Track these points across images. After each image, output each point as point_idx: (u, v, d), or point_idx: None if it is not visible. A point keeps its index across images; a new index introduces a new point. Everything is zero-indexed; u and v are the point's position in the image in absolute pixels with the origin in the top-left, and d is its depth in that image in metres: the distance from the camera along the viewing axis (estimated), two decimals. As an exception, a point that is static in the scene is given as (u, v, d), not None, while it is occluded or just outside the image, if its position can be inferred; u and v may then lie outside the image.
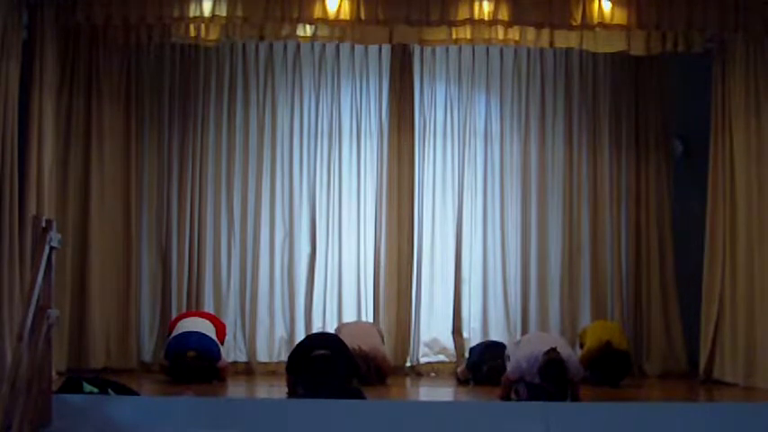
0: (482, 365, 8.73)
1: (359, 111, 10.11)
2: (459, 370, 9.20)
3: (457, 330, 9.85)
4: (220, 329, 9.11)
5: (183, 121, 9.96)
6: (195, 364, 8.42)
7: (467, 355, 9.37)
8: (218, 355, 8.67)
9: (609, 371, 8.66)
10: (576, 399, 7.20)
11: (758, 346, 8.45)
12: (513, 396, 7.39)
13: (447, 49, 10.07)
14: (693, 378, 9.19)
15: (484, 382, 8.60)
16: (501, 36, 9.04)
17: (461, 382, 9.02)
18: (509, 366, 7.49)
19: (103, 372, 8.75)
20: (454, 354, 9.82)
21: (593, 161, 10.17)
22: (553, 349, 7.20)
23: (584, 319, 9.83)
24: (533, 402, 7.02)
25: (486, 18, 8.54)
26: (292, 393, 7.61)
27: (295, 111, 10.09)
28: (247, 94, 10.08)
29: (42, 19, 8.51)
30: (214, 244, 9.87)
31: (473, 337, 9.77)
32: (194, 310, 9.56)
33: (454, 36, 9.11)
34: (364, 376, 8.26)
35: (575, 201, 10.10)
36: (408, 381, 9.46)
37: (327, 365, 7.39)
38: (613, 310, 9.90)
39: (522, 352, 7.43)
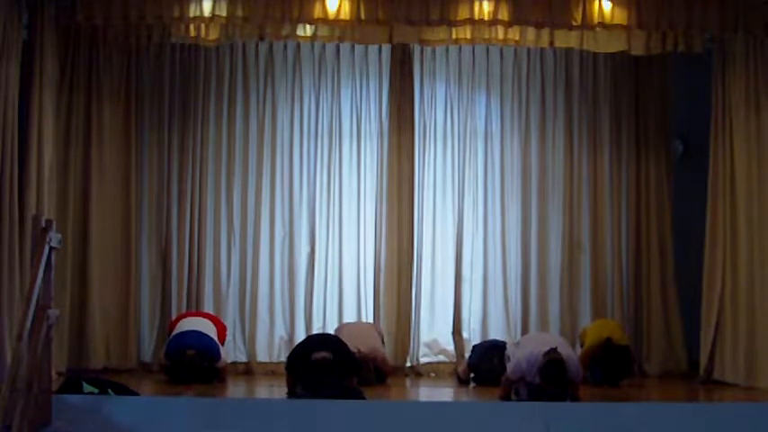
0: (483, 365, 8.73)
1: (359, 111, 10.11)
2: (459, 369, 9.21)
3: (457, 330, 9.85)
4: (221, 330, 9.12)
5: (183, 121, 9.96)
6: (195, 363, 8.42)
7: (467, 354, 9.37)
8: (218, 355, 8.67)
9: (610, 367, 8.66)
10: (575, 399, 7.20)
11: (759, 346, 8.45)
12: (513, 396, 7.39)
13: (447, 49, 10.07)
14: (693, 378, 9.19)
15: (484, 382, 8.61)
16: (501, 36, 9.05)
17: (462, 381, 9.02)
18: (509, 366, 7.49)
19: (103, 372, 8.75)
20: (454, 354, 9.82)
21: (593, 161, 10.17)
22: (553, 349, 7.20)
23: (584, 318, 9.83)
24: (533, 402, 7.02)
25: (486, 18, 8.54)
26: (292, 393, 7.61)
27: (295, 111, 10.09)
28: (247, 94, 10.08)
29: (42, 19, 8.51)
30: (214, 244, 9.87)
31: (473, 337, 9.77)
32: (194, 310, 9.56)
33: (454, 36, 9.11)
34: (364, 377, 8.26)
35: (575, 201, 10.10)
36: (408, 381, 9.46)
37: (327, 368, 7.38)
38: (613, 310, 9.90)
39: (523, 352, 7.43)
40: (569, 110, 10.22)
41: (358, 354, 8.24)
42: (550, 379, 7.08)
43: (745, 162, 8.77)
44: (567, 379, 7.12)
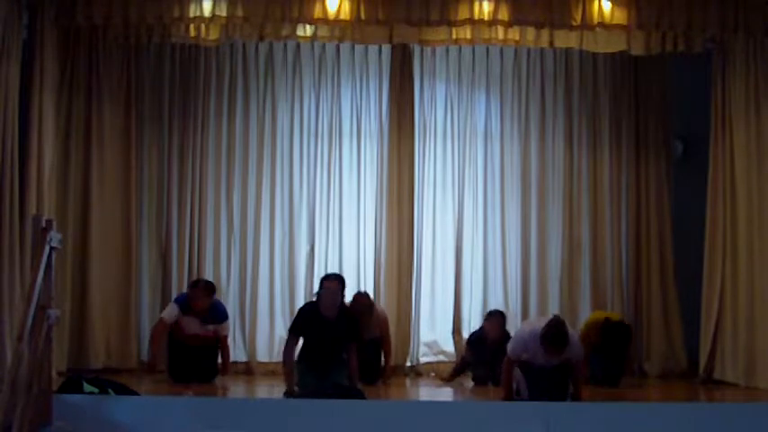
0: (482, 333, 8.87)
1: (359, 111, 10.11)
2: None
3: (457, 330, 9.86)
4: None
5: (183, 121, 9.96)
6: (205, 299, 8.59)
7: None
8: (224, 315, 8.77)
9: (610, 342, 8.65)
10: (576, 397, 7.20)
11: (759, 346, 8.45)
12: (514, 397, 7.37)
13: (447, 49, 10.08)
14: (693, 378, 9.20)
15: (486, 356, 8.62)
16: (501, 36, 9.06)
17: (463, 363, 8.99)
18: (510, 345, 7.41)
19: (103, 372, 8.74)
20: (454, 354, 9.82)
21: (593, 161, 10.18)
22: (555, 316, 7.32)
23: (584, 318, 9.82)
24: (533, 402, 7.02)
25: (486, 18, 8.54)
26: (289, 391, 7.55)
27: (295, 111, 10.09)
28: (247, 94, 10.08)
29: (42, 19, 8.51)
30: (214, 244, 9.87)
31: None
32: (194, 309, 9.58)
33: (454, 36, 9.12)
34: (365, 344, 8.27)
35: (575, 201, 10.11)
36: (408, 381, 9.46)
37: (333, 325, 7.59)
38: (613, 310, 9.87)
39: (524, 329, 7.47)
40: (569, 110, 10.23)
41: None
42: (554, 339, 6.99)
43: (745, 162, 8.77)
44: (567, 341, 7.04)
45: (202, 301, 8.60)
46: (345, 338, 7.81)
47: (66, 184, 9.17)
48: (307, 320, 7.79)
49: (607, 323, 8.79)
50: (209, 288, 8.76)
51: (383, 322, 8.94)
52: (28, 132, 8.34)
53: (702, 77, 9.42)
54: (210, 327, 8.66)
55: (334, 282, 7.92)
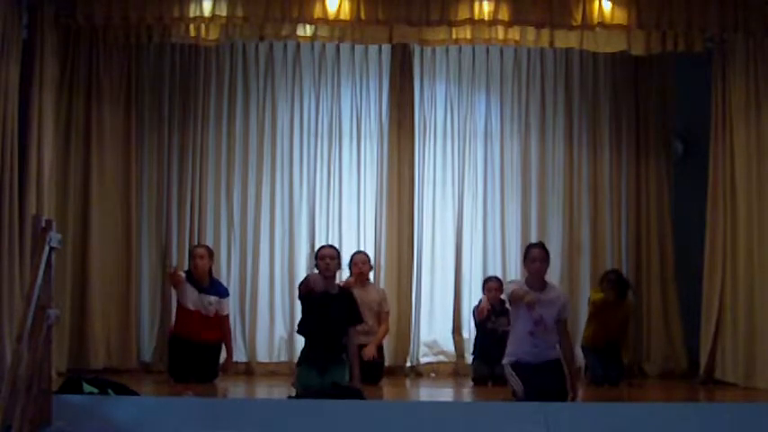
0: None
1: (359, 111, 10.12)
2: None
3: (457, 330, 9.86)
4: None
5: (183, 121, 9.97)
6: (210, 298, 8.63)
7: (467, 354, 9.47)
8: (226, 291, 8.86)
9: (614, 286, 8.85)
10: (575, 389, 7.19)
11: (759, 345, 8.45)
12: (512, 388, 7.32)
13: (447, 49, 10.08)
14: (693, 378, 9.20)
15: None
16: (501, 36, 9.06)
17: (484, 316, 8.97)
18: (506, 290, 7.57)
19: (103, 372, 8.75)
20: (454, 354, 9.82)
21: (593, 161, 10.18)
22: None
23: (584, 318, 9.81)
24: (533, 402, 7.00)
25: (486, 18, 8.54)
26: (294, 393, 7.52)
27: (295, 111, 10.10)
28: (247, 94, 10.09)
29: (42, 19, 8.51)
30: (214, 244, 9.84)
31: (473, 336, 9.75)
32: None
33: (454, 36, 9.12)
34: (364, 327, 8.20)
35: (575, 201, 10.11)
36: (408, 381, 9.47)
37: (333, 300, 7.39)
38: (613, 310, 9.90)
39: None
40: (569, 110, 10.23)
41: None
42: (535, 243, 7.55)
43: (745, 162, 8.77)
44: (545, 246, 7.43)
45: (203, 261, 8.65)
46: (347, 318, 7.47)
47: (66, 184, 9.17)
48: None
49: (605, 273, 9.07)
50: (209, 249, 8.91)
51: (383, 300, 8.93)
52: (28, 132, 8.34)
53: (702, 77, 9.42)
54: (212, 299, 8.64)
55: (330, 249, 7.62)
